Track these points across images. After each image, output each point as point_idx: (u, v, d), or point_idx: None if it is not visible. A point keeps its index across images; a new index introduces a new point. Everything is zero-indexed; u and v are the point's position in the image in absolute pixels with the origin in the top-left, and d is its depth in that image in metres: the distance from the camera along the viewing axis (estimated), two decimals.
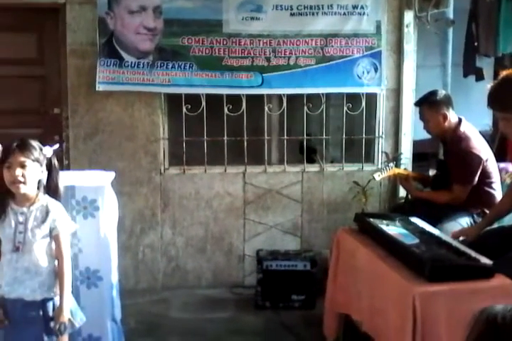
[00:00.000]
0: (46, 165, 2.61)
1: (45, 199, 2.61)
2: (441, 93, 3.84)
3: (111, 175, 3.43)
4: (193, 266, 4.51)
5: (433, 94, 3.82)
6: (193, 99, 4.33)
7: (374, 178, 3.83)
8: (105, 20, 4.16)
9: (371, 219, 3.27)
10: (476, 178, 3.66)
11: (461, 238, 3.24)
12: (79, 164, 4.31)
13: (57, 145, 2.69)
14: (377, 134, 4.50)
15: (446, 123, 3.76)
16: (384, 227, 3.13)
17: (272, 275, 4.14)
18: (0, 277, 2.60)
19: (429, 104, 3.79)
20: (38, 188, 2.60)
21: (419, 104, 3.91)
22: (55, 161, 2.65)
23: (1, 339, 2.67)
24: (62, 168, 4.12)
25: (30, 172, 2.52)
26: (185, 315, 4.07)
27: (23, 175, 2.50)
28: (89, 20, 4.21)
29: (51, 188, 2.65)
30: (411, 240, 2.93)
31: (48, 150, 2.62)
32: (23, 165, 2.50)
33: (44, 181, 2.62)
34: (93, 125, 4.35)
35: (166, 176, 4.44)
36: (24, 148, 2.51)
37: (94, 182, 3.27)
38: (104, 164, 4.25)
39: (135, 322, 3.87)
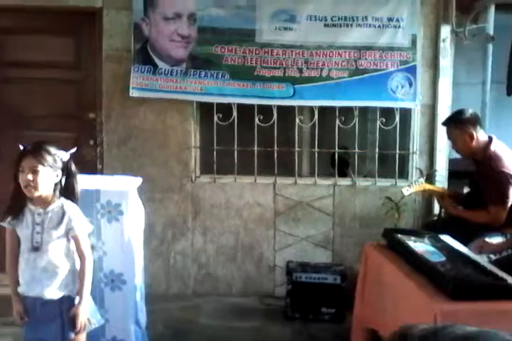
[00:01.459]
0: (63, 169, 2.67)
1: (61, 201, 2.68)
2: (468, 112, 3.79)
3: (138, 180, 3.47)
4: (224, 274, 4.57)
5: (460, 113, 3.80)
6: (225, 109, 4.40)
7: (402, 193, 3.84)
8: (140, 26, 4.27)
9: (399, 235, 3.29)
10: (511, 198, 3.64)
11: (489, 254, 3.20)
12: (112, 169, 4.41)
13: (74, 149, 2.75)
14: (411, 150, 4.47)
15: (474, 143, 3.73)
16: (411, 244, 3.15)
17: (301, 287, 4.17)
18: (19, 275, 2.69)
19: (456, 124, 3.78)
20: (54, 191, 2.66)
21: (446, 123, 3.90)
22: (71, 165, 2.70)
23: (22, 336, 2.79)
24: (95, 172, 4.32)
25: (42, 177, 2.58)
26: (214, 322, 4.12)
27: (34, 180, 2.56)
28: (126, 26, 4.32)
29: (68, 191, 2.71)
30: (437, 258, 2.94)
31: (64, 155, 2.68)
32: (34, 171, 2.56)
33: (62, 184, 2.68)
34: (127, 131, 4.46)
35: (197, 184, 4.52)
36: (37, 153, 2.58)
37: (119, 186, 3.33)
38: (137, 170, 4.34)
39: (163, 327, 3.94)
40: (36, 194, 2.60)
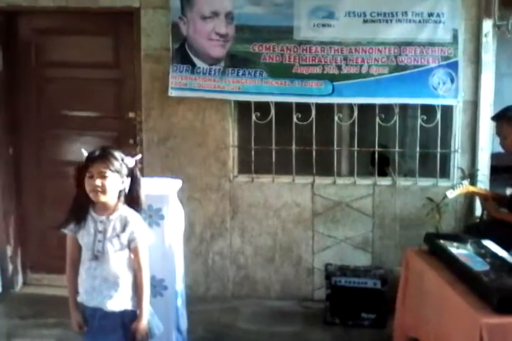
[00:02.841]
0: (128, 176, 2.60)
1: (124, 209, 2.62)
2: None
3: (178, 183, 3.43)
4: (262, 276, 4.47)
5: None
6: (263, 107, 4.29)
7: (446, 196, 3.66)
8: (178, 26, 4.19)
9: (441, 241, 3.16)
10: None
11: None
12: (152, 168, 4.35)
13: (139, 156, 2.70)
14: (452, 148, 4.28)
15: None
16: (453, 250, 3.02)
17: (340, 292, 4.03)
18: (79, 284, 2.63)
19: (508, 120, 3.56)
20: (119, 198, 2.60)
21: (496, 118, 3.69)
22: (137, 172, 2.65)
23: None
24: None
25: (110, 182, 2.53)
26: (253, 326, 4.03)
27: (102, 185, 2.51)
28: (163, 25, 4.24)
29: (132, 198, 2.65)
30: (481, 266, 2.80)
31: (130, 161, 2.62)
32: (103, 176, 2.51)
33: (125, 191, 2.63)
34: (166, 130, 4.39)
35: (235, 184, 4.42)
36: (105, 158, 2.53)
37: (160, 190, 3.28)
38: (176, 169, 4.31)
39: (203, 330, 3.88)
40: (103, 199, 2.55)
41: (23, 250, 4.76)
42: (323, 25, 4.09)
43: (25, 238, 4.75)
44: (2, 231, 4.55)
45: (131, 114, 4.48)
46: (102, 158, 2.53)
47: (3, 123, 4.52)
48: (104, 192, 2.52)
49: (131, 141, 4.48)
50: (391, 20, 4.04)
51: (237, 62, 4.18)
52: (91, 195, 2.54)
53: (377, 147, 4.32)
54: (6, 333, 3.89)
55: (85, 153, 2.60)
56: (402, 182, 4.34)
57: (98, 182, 2.50)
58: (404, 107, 4.31)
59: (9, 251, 4.63)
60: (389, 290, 3.88)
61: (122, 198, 2.61)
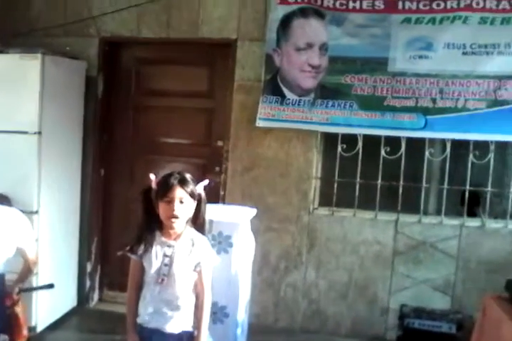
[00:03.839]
0: (195, 199, 2.50)
1: (191, 232, 2.51)
2: None
3: (251, 212, 3.36)
4: (334, 312, 4.16)
5: None
6: (349, 139, 4.04)
7: None
8: (272, 57, 4.06)
9: None
10: None
11: None
12: (233, 196, 4.23)
13: (206, 182, 2.57)
14: None
15: None
16: None
17: (412, 334, 3.71)
18: (141, 306, 2.52)
19: None
20: (186, 222, 2.50)
21: None
22: (203, 196, 2.53)
23: None
24: (217, 199, 4.15)
25: (187, 207, 2.44)
26: None
27: (180, 211, 2.41)
28: (258, 57, 4.14)
29: (198, 222, 2.54)
30: None
31: (200, 187, 2.52)
32: (182, 201, 2.42)
33: (191, 215, 2.52)
34: (251, 159, 4.25)
35: (315, 216, 4.17)
36: (184, 183, 2.44)
37: (232, 218, 3.22)
38: (256, 199, 4.14)
39: None
40: (178, 224, 2.44)
41: (103, 268, 4.74)
42: (420, 57, 3.81)
43: (106, 256, 4.72)
44: (85, 248, 4.56)
45: (219, 143, 4.40)
46: (181, 183, 2.43)
47: (98, 146, 4.56)
48: (181, 217, 2.42)
49: (217, 169, 4.39)
50: (492, 53, 3.69)
51: (327, 93, 3.98)
52: (167, 221, 2.43)
53: (468, 186, 3.94)
54: None
55: (153, 178, 2.49)
56: (492, 224, 3.94)
57: (177, 207, 2.40)
58: (500, 144, 3.93)
59: (89, 267, 4.62)
60: (465, 336, 3.48)
61: (189, 222, 2.52)
